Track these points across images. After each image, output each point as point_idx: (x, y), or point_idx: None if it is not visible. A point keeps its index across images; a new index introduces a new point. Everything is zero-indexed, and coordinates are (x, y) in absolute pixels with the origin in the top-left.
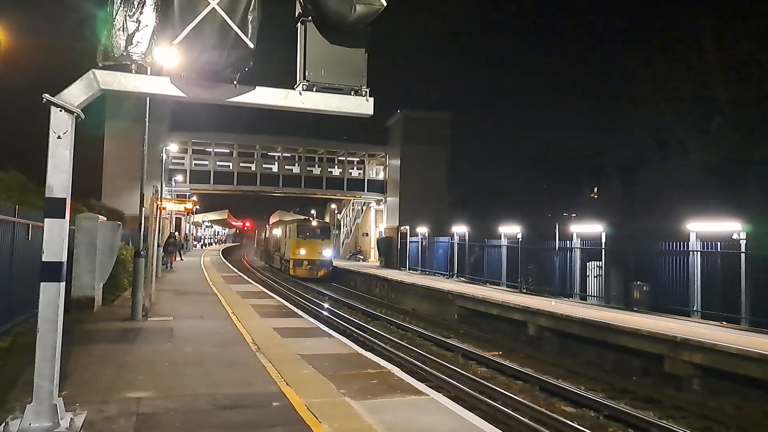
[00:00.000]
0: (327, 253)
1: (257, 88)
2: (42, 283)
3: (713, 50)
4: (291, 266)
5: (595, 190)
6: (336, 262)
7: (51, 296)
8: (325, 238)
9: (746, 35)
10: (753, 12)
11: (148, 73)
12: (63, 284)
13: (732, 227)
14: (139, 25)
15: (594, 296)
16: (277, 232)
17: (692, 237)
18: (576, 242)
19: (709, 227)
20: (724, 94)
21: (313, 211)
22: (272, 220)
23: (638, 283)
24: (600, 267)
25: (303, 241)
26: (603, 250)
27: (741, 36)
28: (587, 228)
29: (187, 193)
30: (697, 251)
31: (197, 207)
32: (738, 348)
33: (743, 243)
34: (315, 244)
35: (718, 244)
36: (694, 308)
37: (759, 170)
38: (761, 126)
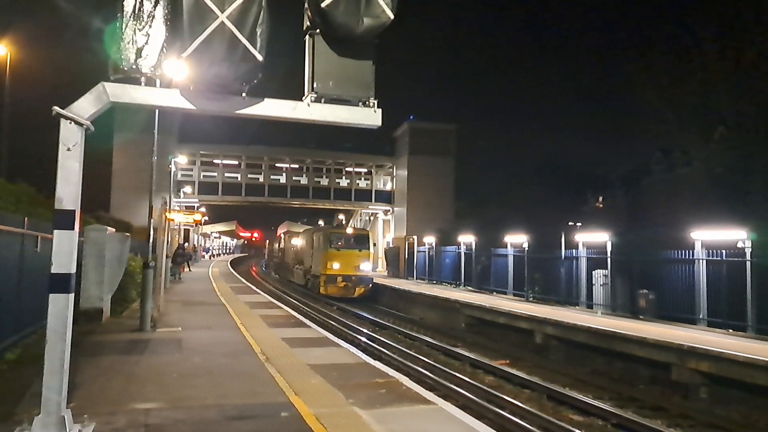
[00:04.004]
0: (366, 266)
1: (266, 99)
2: (51, 295)
3: (716, 59)
4: (322, 283)
5: (600, 199)
6: None
7: (60, 308)
8: (363, 249)
9: (749, 44)
10: (756, 21)
11: (158, 85)
12: (72, 296)
13: (737, 235)
14: (148, 39)
15: (600, 305)
16: (299, 241)
17: (697, 245)
18: (582, 251)
19: (714, 236)
20: (728, 103)
21: (320, 222)
22: (280, 230)
23: (644, 291)
24: (606, 276)
25: (336, 253)
26: (609, 259)
27: (744, 44)
28: (593, 237)
29: (196, 205)
30: (702, 259)
31: (206, 218)
32: (744, 356)
33: (748, 251)
34: (351, 256)
35: (723, 252)
36: (700, 316)
37: (763, 178)
38: (765, 134)
